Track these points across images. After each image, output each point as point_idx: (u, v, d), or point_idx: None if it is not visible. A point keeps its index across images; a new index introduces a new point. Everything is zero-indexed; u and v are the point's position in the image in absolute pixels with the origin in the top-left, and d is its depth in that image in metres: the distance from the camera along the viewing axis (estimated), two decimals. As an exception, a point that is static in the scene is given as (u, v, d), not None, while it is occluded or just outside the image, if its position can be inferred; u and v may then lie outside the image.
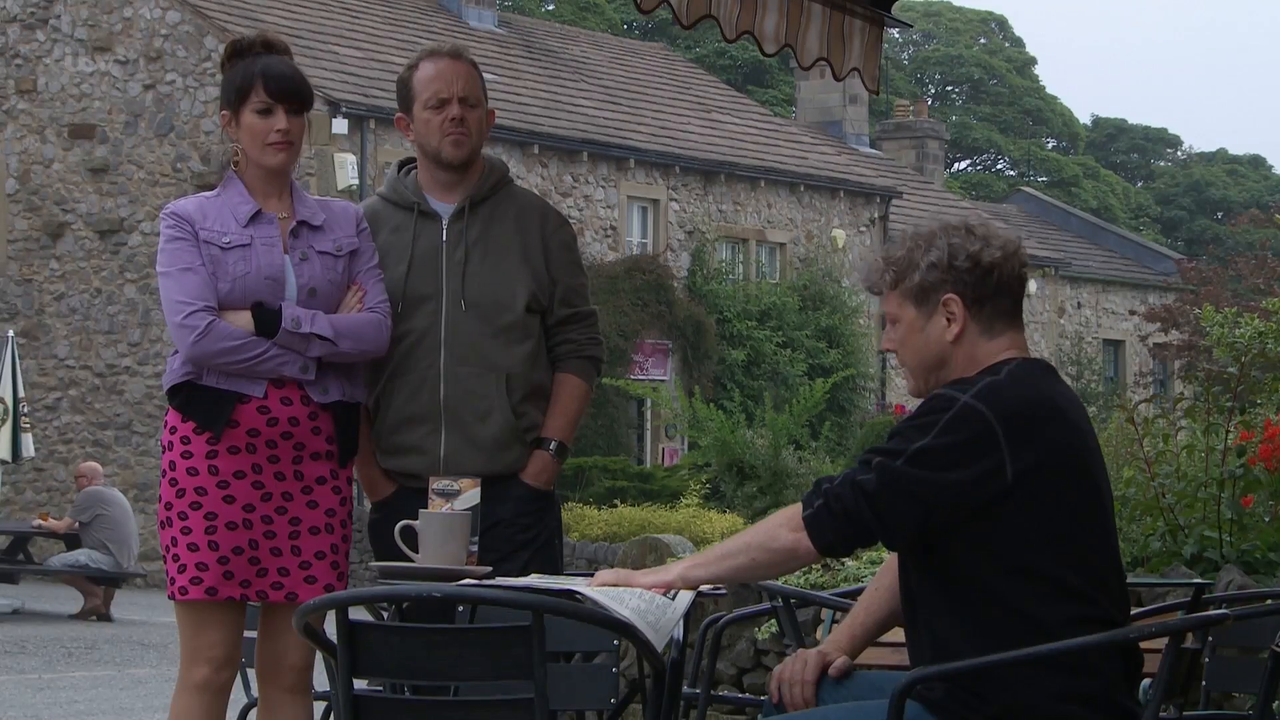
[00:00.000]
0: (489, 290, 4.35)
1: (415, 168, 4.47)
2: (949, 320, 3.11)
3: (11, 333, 17.82)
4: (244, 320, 4.01)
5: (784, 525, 3.08)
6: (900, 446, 3.01)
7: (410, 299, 4.32)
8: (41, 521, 16.56)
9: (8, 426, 16.43)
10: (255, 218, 4.09)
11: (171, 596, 4.08)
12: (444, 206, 4.40)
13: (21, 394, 16.90)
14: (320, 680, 4.34)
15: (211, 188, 4.29)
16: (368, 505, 4.57)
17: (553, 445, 4.37)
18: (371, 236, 4.21)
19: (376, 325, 4.12)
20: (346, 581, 4.11)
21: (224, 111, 4.12)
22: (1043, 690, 3.01)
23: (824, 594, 4.65)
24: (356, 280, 4.14)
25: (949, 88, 53.36)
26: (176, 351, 4.09)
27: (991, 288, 3.11)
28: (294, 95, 4.07)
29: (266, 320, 4.00)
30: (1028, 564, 3.02)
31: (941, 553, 3.07)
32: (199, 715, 4.01)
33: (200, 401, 4.02)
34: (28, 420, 17.21)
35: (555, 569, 4.06)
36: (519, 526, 4.32)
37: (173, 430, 4.06)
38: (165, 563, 4.11)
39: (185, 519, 4.01)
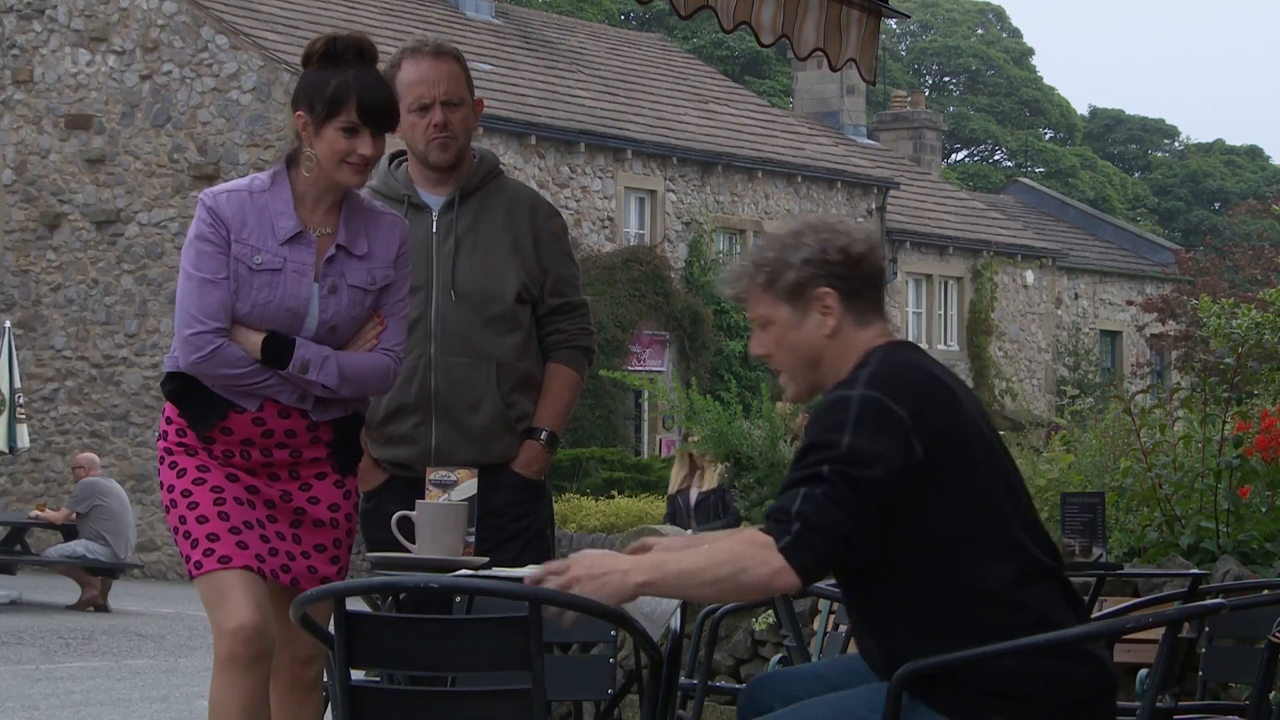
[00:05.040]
0: (479, 281, 4.35)
1: (406, 160, 4.49)
2: (824, 314, 3.13)
3: (8, 323, 17.82)
4: (255, 342, 3.83)
5: (753, 558, 2.96)
6: (833, 455, 2.98)
7: None
8: (39, 512, 16.56)
9: (4, 418, 16.43)
10: (296, 238, 3.85)
11: (190, 575, 3.87)
12: (434, 199, 4.42)
13: (18, 385, 16.89)
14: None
15: (259, 169, 4.12)
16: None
17: (544, 435, 4.38)
18: (409, 258, 3.95)
19: (384, 372, 3.91)
20: (346, 576, 3.96)
21: (300, 113, 3.82)
22: (1010, 654, 3.01)
23: (821, 585, 4.65)
24: (380, 314, 3.91)
25: (946, 78, 53.34)
26: None
27: (862, 279, 3.15)
28: (385, 121, 3.82)
29: (275, 355, 3.81)
30: (958, 536, 3.03)
31: (878, 555, 3.05)
32: (229, 694, 3.71)
33: (193, 399, 3.87)
34: (24, 411, 17.20)
35: (548, 559, 4.06)
36: (510, 516, 4.33)
37: (169, 420, 3.92)
38: (178, 544, 3.90)
39: (190, 495, 3.83)
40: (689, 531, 13.56)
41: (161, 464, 3.93)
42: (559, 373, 4.42)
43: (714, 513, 13.45)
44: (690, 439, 14.25)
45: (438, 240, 4.37)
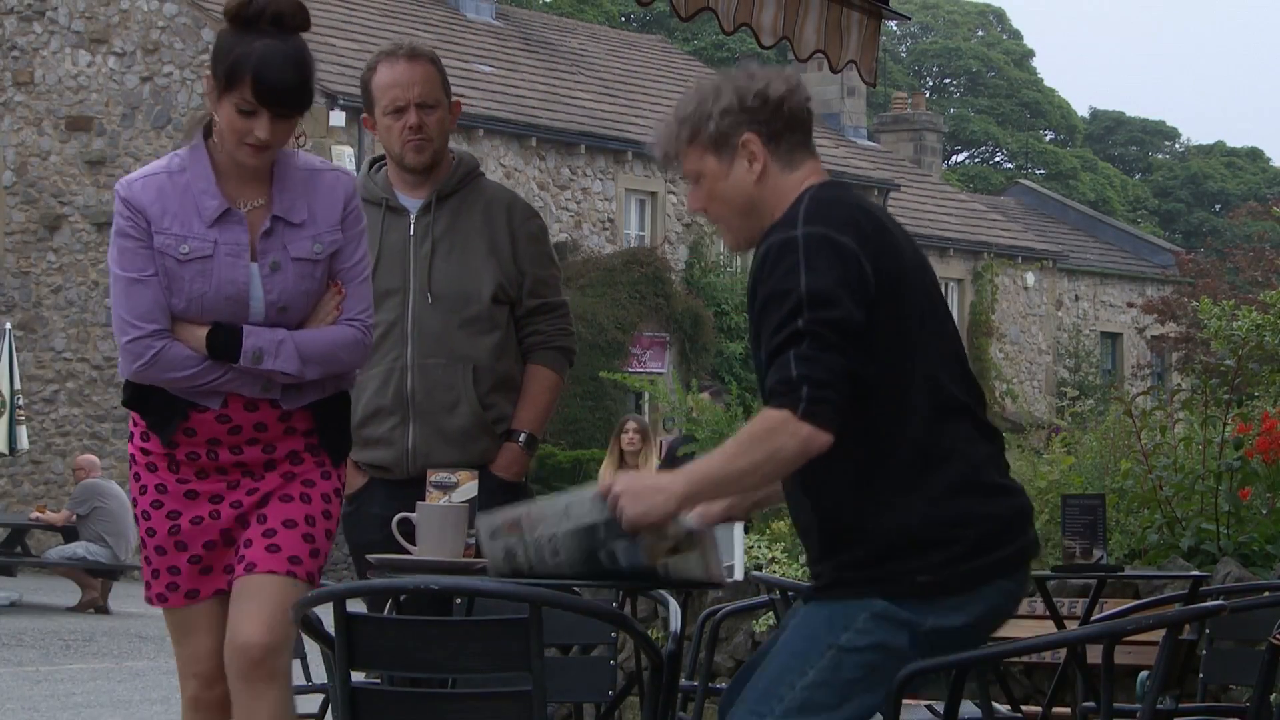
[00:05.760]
0: (455, 282, 4.37)
1: (386, 164, 4.51)
2: (750, 161, 3.14)
3: (9, 325, 17.82)
4: (199, 337, 3.49)
5: (780, 435, 2.96)
6: (796, 304, 2.98)
7: (377, 293, 4.34)
8: (39, 514, 16.56)
9: (4, 419, 16.43)
10: (223, 217, 3.49)
11: (149, 601, 3.66)
12: (412, 201, 4.44)
13: (18, 386, 16.90)
14: (318, 673, 4.34)
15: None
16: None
17: (522, 437, 4.39)
18: (361, 216, 3.64)
19: (352, 344, 3.57)
20: (321, 561, 3.61)
21: (209, 76, 3.48)
22: (922, 499, 3.02)
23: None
24: (337, 282, 3.56)
25: (947, 80, 53.34)
26: None
27: (784, 121, 3.15)
28: (284, 104, 3.43)
29: (224, 348, 3.47)
30: (885, 368, 3.03)
31: None
32: None
33: (153, 404, 3.55)
34: (24, 413, 17.20)
35: None
36: None
37: (135, 423, 3.63)
38: (141, 561, 3.69)
39: (149, 519, 3.58)
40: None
41: (131, 468, 3.67)
42: (538, 374, 4.42)
43: None
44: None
45: (415, 243, 4.39)
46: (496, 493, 4.27)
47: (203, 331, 3.48)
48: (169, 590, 3.59)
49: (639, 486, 3.04)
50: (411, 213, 4.42)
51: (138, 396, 3.55)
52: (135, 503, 3.62)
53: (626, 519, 3.03)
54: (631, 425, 12.78)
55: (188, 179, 3.49)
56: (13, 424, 16.53)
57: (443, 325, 4.35)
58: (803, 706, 3.01)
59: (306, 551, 3.55)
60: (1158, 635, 3.38)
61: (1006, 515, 3.07)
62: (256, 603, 3.50)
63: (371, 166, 4.52)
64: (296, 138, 3.59)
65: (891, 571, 3.01)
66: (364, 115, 4.49)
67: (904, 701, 3.10)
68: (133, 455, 3.62)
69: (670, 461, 12.76)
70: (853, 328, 2.99)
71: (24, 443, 17.15)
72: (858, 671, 3.02)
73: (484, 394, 4.34)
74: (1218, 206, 52.44)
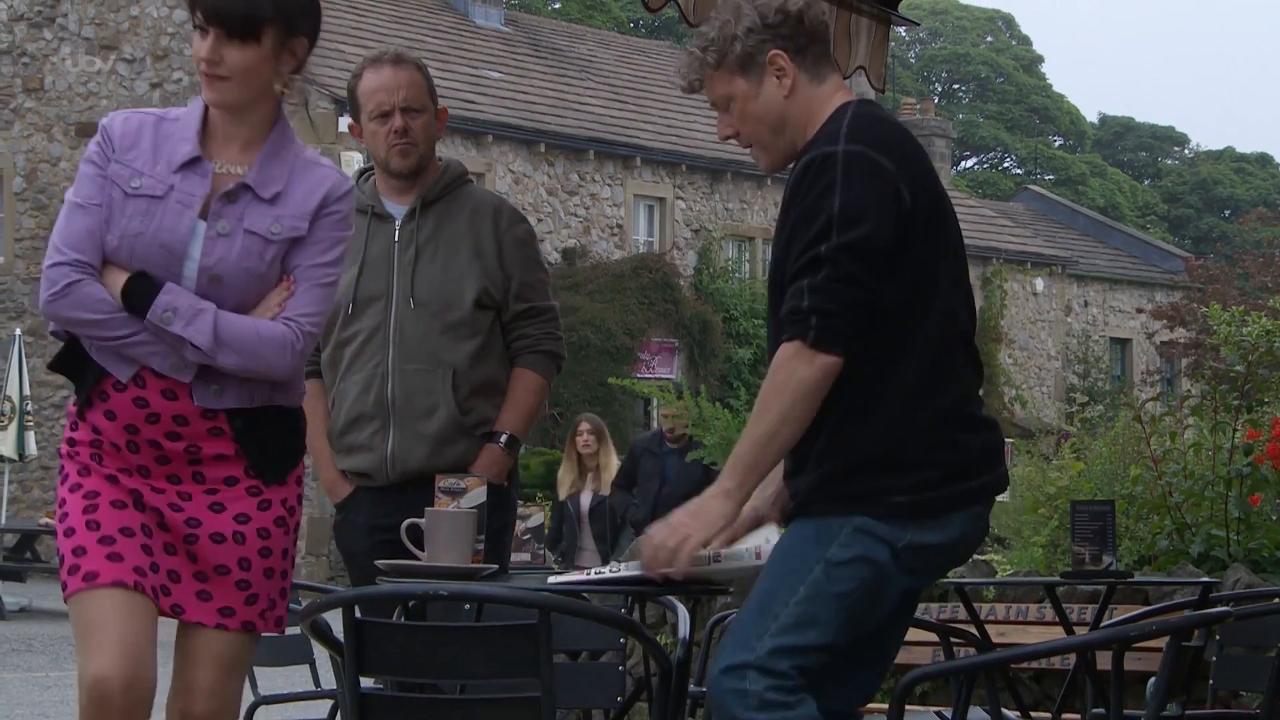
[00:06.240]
0: (437, 288, 4.38)
1: (374, 173, 4.54)
2: (779, 76, 3.18)
3: (19, 331, 17.85)
4: (116, 281, 3.22)
5: (798, 371, 3.01)
6: (824, 225, 3.02)
7: (360, 300, 4.39)
8: (49, 520, 16.58)
9: (14, 425, 16.45)
10: (190, 165, 3.24)
11: (66, 600, 3.21)
12: (398, 208, 4.46)
13: (28, 392, 16.92)
14: (327, 679, 4.34)
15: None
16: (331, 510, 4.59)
17: (503, 438, 4.37)
18: (344, 225, 3.32)
19: (280, 344, 3.20)
20: (262, 605, 3.27)
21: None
22: (911, 423, 3.07)
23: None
24: (290, 277, 3.25)
25: (955, 86, 53.31)
26: None
27: (806, 35, 3.21)
28: (224, 21, 3.16)
29: (136, 296, 3.18)
30: (910, 293, 3.08)
31: None
32: None
33: (74, 364, 3.28)
34: (31, 419, 17.23)
35: (502, 562, 4.00)
36: None
37: (67, 415, 3.34)
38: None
39: (64, 505, 3.22)
40: (582, 542, 11.91)
41: (61, 468, 3.35)
42: (522, 377, 4.42)
43: (612, 520, 11.66)
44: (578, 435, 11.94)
45: (399, 249, 4.41)
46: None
47: (121, 275, 3.21)
48: (69, 575, 3.14)
49: (678, 522, 3.05)
50: (397, 219, 4.44)
51: (64, 357, 3.28)
52: (59, 502, 3.26)
53: (685, 552, 3.02)
54: (585, 427, 12.02)
55: (174, 128, 3.28)
56: (21, 430, 16.56)
57: (424, 331, 4.36)
58: (798, 621, 3.04)
59: (241, 599, 3.24)
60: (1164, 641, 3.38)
61: (981, 449, 3.14)
62: (200, 668, 3.26)
63: (361, 176, 4.55)
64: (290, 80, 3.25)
65: (869, 489, 3.06)
66: (350, 122, 4.51)
67: (913, 708, 3.10)
68: (60, 453, 3.33)
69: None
70: (878, 248, 3.03)
71: (33, 449, 17.18)
72: (847, 584, 3.05)
73: (463, 398, 4.34)
74: (1227, 212, 52.36)
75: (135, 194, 3.21)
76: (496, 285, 4.38)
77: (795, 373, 3.02)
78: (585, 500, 11.83)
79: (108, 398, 3.23)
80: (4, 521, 17.35)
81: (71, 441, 3.27)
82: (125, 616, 3.12)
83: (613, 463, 11.89)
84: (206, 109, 3.27)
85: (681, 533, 3.05)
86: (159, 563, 3.19)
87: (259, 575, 3.25)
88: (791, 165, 3.20)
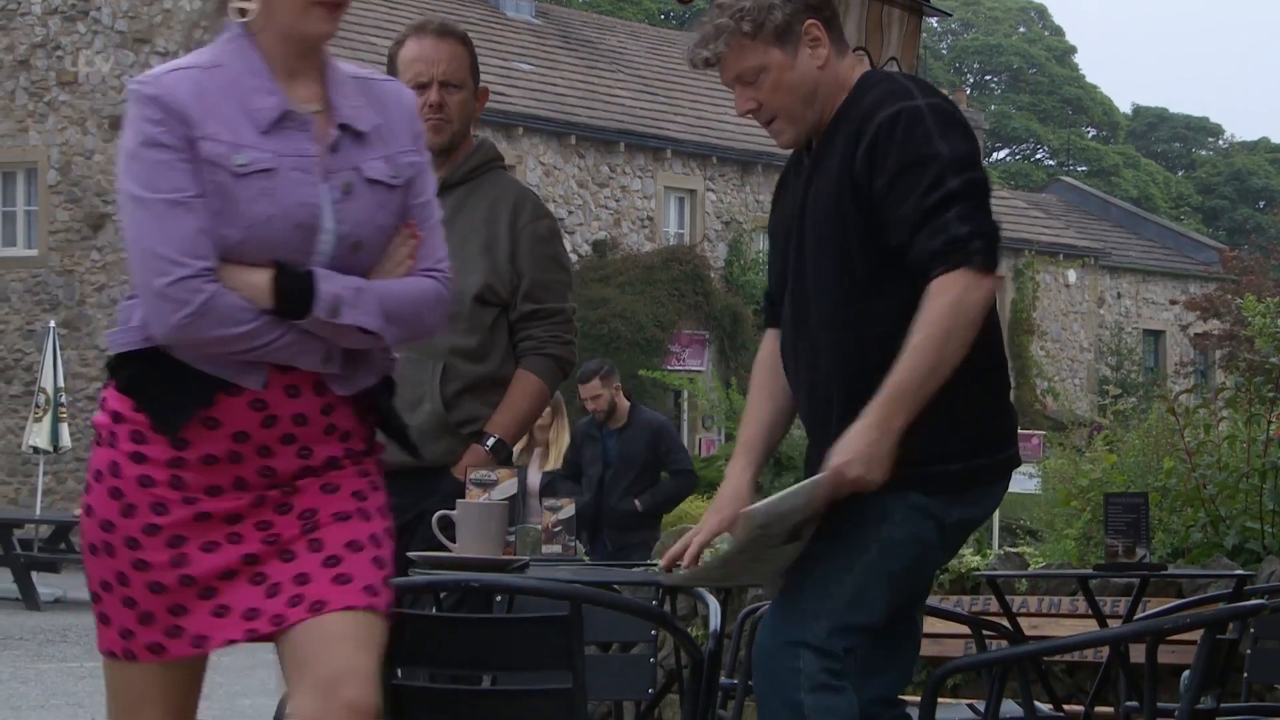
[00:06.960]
0: None
1: None
2: (814, 46, 3.17)
3: (53, 323, 17.93)
4: (259, 283, 2.65)
5: (965, 299, 2.96)
6: (941, 170, 3.01)
7: None
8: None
9: (48, 417, 16.54)
10: (282, 121, 2.69)
11: (110, 653, 2.76)
12: None
13: (62, 384, 17.01)
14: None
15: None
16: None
17: (490, 441, 4.09)
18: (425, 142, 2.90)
19: (434, 302, 2.78)
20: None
21: None
22: (977, 400, 3.09)
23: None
24: (410, 222, 2.78)
25: (988, 77, 53.12)
26: (133, 297, 2.71)
27: (831, 8, 3.22)
28: None
29: (294, 298, 2.64)
30: None
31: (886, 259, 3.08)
32: None
33: (162, 385, 2.68)
34: (65, 411, 17.31)
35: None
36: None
37: (117, 418, 2.72)
38: (94, 607, 2.78)
39: (137, 548, 2.68)
40: (527, 519, 11.20)
41: (98, 483, 2.73)
42: (522, 379, 4.14)
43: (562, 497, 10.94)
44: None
45: None
46: (456, 494, 3.91)
47: (259, 275, 2.64)
48: (122, 637, 2.71)
49: (856, 451, 2.95)
50: None
51: (142, 377, 2.69)
52: (110, 525, 2.70)
53: (868, 482, 2.95)
54: None
55: (231, 74, 2.73)
56: (56, 422, 16.64)
57: None
58: (854, 600, 3.04)
59: (381, 579, 2.71)
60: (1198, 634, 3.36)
61: (1014, 423, 3.20)
62: (350, 650, 2.65)
63: None
64: None
65: (926, 456, 3.04)
66: None
67: (945, 700, 3.10)
68: (114, 464, 2.70)
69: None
70: (989, 190, 3.07)
71: (67, 440, 17.26)
72: (900, 563, 3.07)
73: (451, 395, 4.08)
74: (1262, 203, 52.06)
75: (245, 173, 2.64)
76: (503, 282, 4.13)
77: (968, 297, 2.98)
78: (533, 476, 10.93)
79: (212, 404, 2.68)
80: (39, 513, 17.45)
81: (138, 458, 2.68)
82: (178, 692, 2.91)
83: (563, 439, 11.01)
84: (246, 49, 2.77)
85: (869, 479, 2.96)
86: (279, 581, 2.68)
87: (390, 558, 2.77)
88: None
